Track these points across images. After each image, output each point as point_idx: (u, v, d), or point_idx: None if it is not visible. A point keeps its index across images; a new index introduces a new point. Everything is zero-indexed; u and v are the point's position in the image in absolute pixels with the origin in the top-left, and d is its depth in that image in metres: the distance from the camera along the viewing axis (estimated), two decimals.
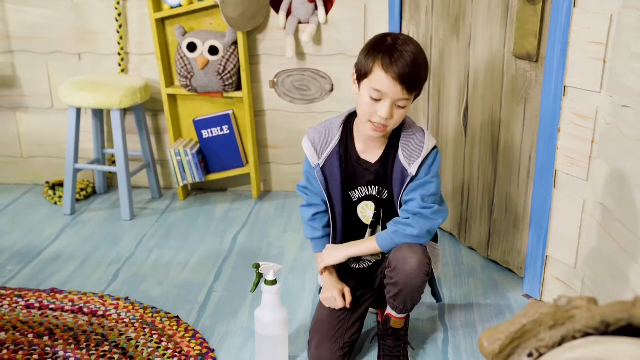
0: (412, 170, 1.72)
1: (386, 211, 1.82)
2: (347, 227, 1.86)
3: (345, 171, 1.80)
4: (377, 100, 1.65)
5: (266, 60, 2.93)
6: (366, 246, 1.81)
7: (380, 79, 1.63)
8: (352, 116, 1.82)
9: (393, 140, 1.78)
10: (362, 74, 1.69)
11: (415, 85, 1.66)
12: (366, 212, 1.84)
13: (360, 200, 1.83)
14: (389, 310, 1.83)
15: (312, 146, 1.80)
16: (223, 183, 3.16)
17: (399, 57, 1.63)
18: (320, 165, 1.79)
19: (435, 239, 1.90)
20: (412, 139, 1.75)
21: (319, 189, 1.84)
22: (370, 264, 1.91)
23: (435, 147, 1.76)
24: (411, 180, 1.74)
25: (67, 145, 2.83)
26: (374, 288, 1.91)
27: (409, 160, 1.73)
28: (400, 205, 1.78)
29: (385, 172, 1.78)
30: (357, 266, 1.92)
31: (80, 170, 2.94)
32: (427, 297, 2.08)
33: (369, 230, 1.85)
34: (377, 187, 1.80)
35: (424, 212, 1.72)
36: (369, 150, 1.79)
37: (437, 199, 1.76)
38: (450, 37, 2.40)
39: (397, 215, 1.79)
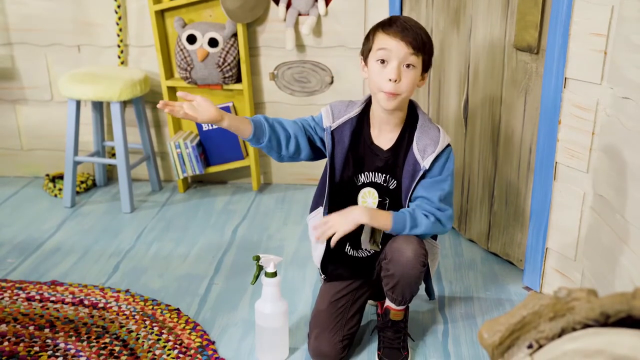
0: (425, 164, 1.71)
1: (392, 202, 1.82)
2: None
3: (355, 152, 1.79)
4: (384, 64, 1.68)
5: (266, 52, 2.92)
6: (381, 219, 1.71)
7: (383, 39, 1.68)
8: (370, 103, 1.82)
9: (407, 129, 1.77)
10: (366, 52, 1.74)
11: (419, 42, 1.67)
12: (367, 199, 1.83)
13: (363, 185, 1.82)
14: (388, 303, 1.83)
15: (330, 110, 1.81)
16: (223, 175, 3.16)
17: (396, 19, 1.70)
18: (332, 128, 1.79)
19: (434, 235, 1.89)
20: (428, 134, 1.75)
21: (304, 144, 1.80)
22: (369, 254, 1.90)
23: (449, 145, 1.76)
24: (423, 175, 1.73)
25: (66, 137, 2.83)
26: (372, 280, 1.91)
27: (422, 153, 1.72)
28: (410, 199, 1.77)
29: (395, 162, 1.78)
30: (355, 254, 1.91)
31: (80, 163, 2.94)
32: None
33: None
34: (384, 175, 1.79)
35: (439, 214, 1.72)
36: (383, 135, 1.79)
37: (451, 199, 1.77)
38: (450, 29, 2.39)
39: (402, 207, 1.78)
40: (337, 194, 1.82)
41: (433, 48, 1.74)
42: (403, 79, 1.67)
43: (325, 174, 1.83)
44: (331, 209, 1.83)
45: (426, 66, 1.73)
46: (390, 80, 1.66)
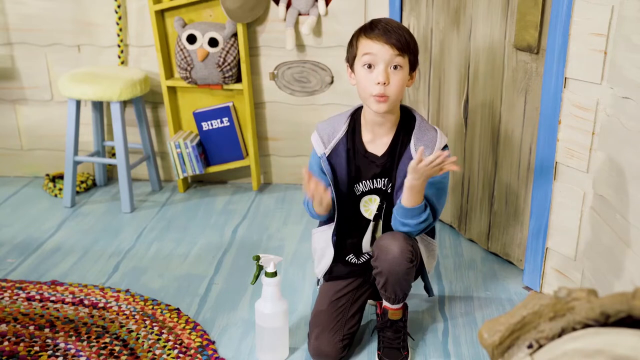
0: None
1: (388, 204, 1.82)
2: (348, 221, 1.86)
3: (353, 165, 1.80)
4: (371, 69, 1.67)
5: (266, 52, 2.92)
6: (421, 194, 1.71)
7: (367, 44, 1.68)
8: (359, 110, 1.82)
9: (401, 131, 1.77)
10: (351, 58, 1.74)
11: (403, 43, 1.66)
12: (369, 206, 1.84)
13: (364, 194, 1.83)
14: (384, 302, 1.83)
15: (319, 137, 1.81)
16: (223, 175, 3.16)
17: (377, 22, 1.70)
18: (327, 154, 1.79)
19: (432, 234, 1.90)
20: (426, 134, 1.75)
21: (324, 180, 1.84)
22: (369, 257, 1.91)
23: (445, 146, 1.76)
24: None
25: (66, 137, 2.83)
26: (370, 280, 1.91)
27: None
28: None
29: (392, 165, 1.78)
30: (357, 262, 1.92)
31: (80, 163, 2.94)
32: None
33: (371, 224, 1.84)
34: (383, 179, 1.80)
35: (436, 210, 1.76)
36: (377, 140, 1.79)
37: (445, 199, 1.78)
38: (450, 29, 2.39)
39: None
40: (340, 207, 1.84)
41: (417, 47, 1.74)
42: (391, 81, 1.67)
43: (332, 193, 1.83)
44: (339, 221, 1.85)
45: (413, 65, 1.73)
46: (378, 83, 1.66)
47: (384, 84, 1.66)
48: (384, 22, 1.69)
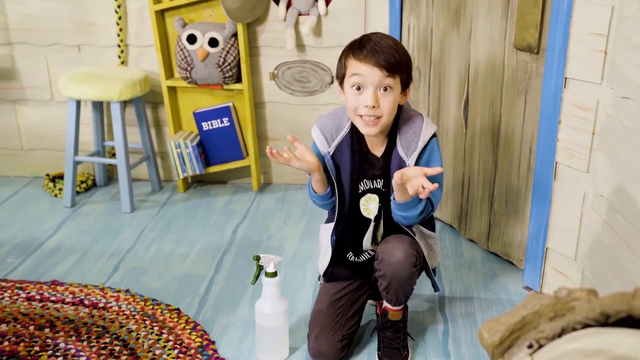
0: (409, 162, 1.71)
1: (387, 204, 1.82)
2: (348, 220, 1.86)
3: (356, 165, 1.79)
4: (360, 90, 1.64)
5: (266, 52, 2.92)
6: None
7: (355, 65, 1.64)
8: None
9: (394, 132, 1.77)
10: (341, 76, 1.71)
11: (392, 64, 1.62)
12: (369, 204, 1.83)
13: (364, 192, 1.82)
14: (385, 303, 1.83)
15: (321, 134, 1.78)
16: (223, 175, 3.16)
17: (366, 41, 1.65)
18: (331, 153, 1.77)
19: (432, 227, 1.89)
20: (410, 128, 1.73)
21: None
22: (369, 257, 1.91)
23: (434, 135, 1.74)
24: None
25: (67, 137, 2.83)
26: (371, 280, 1.91)
27: (406, 151, 1.72)
28: None
29: (387, 165, 1.78)
30: (356, 259, 1.91)
31: (80, 163, 2.94)
32: (426, 289, 2.09)
33: (372, 224, 1.84)
34: (382, 180, 1.80)
35: (432, 199, 1.76)
36: (375, 148, 1.79)
37: (442, 191, 1.77)
38: (450, 29, 2.39)
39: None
40: (341, 205, 1.83)
41: (411, 63, 1.70)
42: (381, 103, 1.64)
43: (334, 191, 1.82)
44: (339, 220, 1.84)
45: (406, 84, 1.69)
46: (367, 106, 1.63)
47: (373, 107, 1.63)
48: (374, 42, 1.63)
